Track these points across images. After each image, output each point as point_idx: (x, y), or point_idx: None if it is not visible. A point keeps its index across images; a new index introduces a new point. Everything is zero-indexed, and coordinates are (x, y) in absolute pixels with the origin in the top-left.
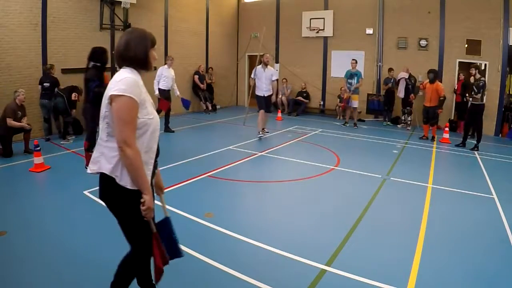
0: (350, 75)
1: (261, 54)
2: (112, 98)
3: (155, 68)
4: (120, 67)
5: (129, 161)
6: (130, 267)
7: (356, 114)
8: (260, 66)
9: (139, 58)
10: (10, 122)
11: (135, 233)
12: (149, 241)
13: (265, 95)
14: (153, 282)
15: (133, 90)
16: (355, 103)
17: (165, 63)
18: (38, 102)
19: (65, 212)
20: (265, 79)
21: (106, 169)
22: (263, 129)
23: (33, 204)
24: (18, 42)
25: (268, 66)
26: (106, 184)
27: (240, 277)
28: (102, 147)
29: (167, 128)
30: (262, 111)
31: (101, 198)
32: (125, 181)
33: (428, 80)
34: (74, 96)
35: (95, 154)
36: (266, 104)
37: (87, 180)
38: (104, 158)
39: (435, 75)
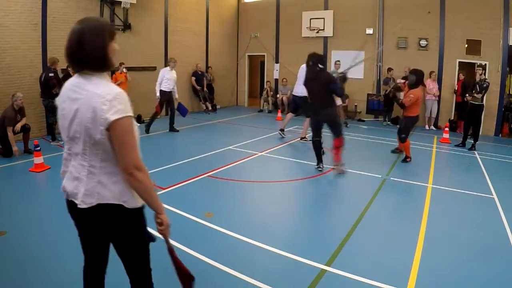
0: None
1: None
2: (112, 123)
3: (155, 69)
4: (76, 72)
5: (141, 185)
6: None
7: None
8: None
9: (96, 58)
10: (11, 137)
11: (142, 255)
12: (149, 268)
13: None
14: None
15: (129, 106)
16: None
17: (167, 65)
18: (38, 102)
19: (65, 212)
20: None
21: (111, 197)
22: (281, 129)
23: (33, 204)
24: (18, 42)
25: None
26: (109, 214)
27: (240, 277)
28: (96, 175)
29: (172, 128)
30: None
31: (98, 232)
32: (134, 202)
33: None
34: (54, 91)
35: (86, 186)
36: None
37: None
38: (103, 187)
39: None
